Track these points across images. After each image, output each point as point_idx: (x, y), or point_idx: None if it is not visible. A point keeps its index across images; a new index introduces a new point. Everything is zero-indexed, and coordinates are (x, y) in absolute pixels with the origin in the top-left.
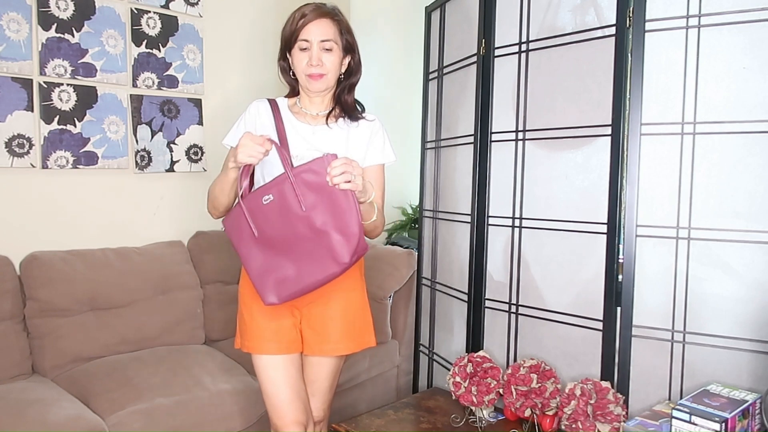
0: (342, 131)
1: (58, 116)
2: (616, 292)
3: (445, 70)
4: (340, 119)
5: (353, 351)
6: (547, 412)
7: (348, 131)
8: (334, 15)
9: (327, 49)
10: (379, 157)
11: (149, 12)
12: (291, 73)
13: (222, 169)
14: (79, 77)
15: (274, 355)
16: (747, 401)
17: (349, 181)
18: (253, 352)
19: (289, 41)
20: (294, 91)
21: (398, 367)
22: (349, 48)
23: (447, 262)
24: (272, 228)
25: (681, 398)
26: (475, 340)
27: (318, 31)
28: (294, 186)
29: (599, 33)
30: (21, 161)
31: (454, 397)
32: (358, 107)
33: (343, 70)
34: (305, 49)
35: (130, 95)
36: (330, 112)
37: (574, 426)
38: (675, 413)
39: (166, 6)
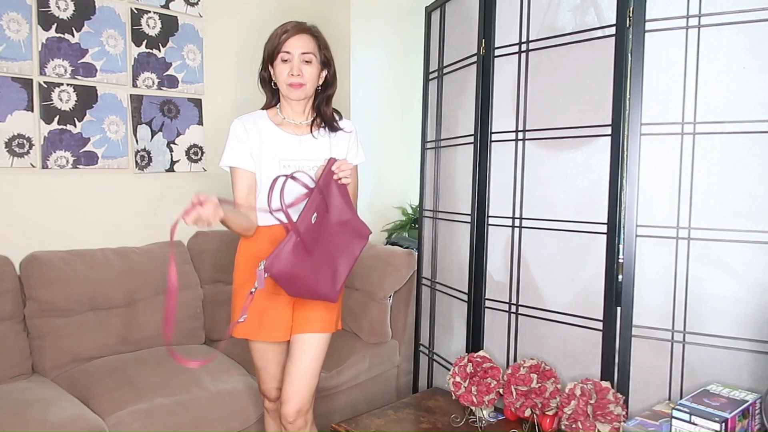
0: (324, 140)
1: (58, 116)
2: (616, 292)
3: (445, 70)
4: (322, 129)
5: (330, 331)
6: (547, 412)
7: (329, 140)
8: (313, 32)
9: (307, 61)
10: (356, 160)
11: (149, 12)
12: (272, 84)
13: (228, 218)
14: (79, 77)
15: (269, 343)
16: (747, 401)
17: (347, 177)
18: (253, 338)
19: (271, 54)
20: (271, 102)
21: (398, 367)
22: (326, 62)
23: (447, 262)
24: (318, 239)
25: (681, 398)
26: (475, 340)
27: (299, 44)
28: (325, 197)
29: (599, 33)
30: (21, 161)
31: (454, 397)
32: (336, 116)
33: (320, 83)
34: (287, 60)
35: (130, 95)
36: (313, 123)
37: (574, 426)
38: (675, 413)
39: (166, 6)
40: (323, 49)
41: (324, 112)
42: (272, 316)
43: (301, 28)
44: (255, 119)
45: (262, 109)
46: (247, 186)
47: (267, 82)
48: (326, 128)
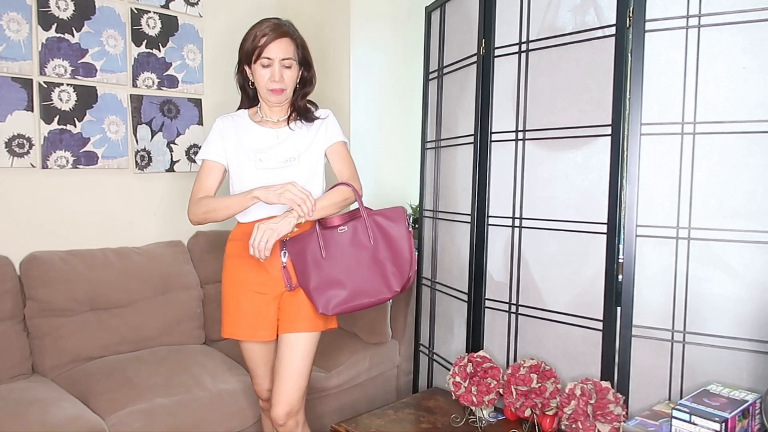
0: (302, 131)
1: (58, 116)
2: (616, 292)
3: (445, 70)
4: (298, 121)
5: (320, 329)
6: (547, 412)
7: (307, 131)
8: (291, 34)
9: (287, 67)
10: (337, 135)
11: (149, 12)
12: (250, 84)
13: (236, 195)
14: (79, 77)
15: (256, 342)
16: (747, 401)
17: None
18: (239, 338)
19: (250, 57)
20: (249, 103)
21: (398, 367)
22: (304, 61)
23: (447, 262)
24: (339, 253)
25: (681, 398)
26: (475, 340)
27: (279, 49)
28: (366, 223)
29: (599, 33)
30: (21, 161)
31: (454, 397)
32: (312, 107)
33: (298, 80)
34: (268, 66)
35: (130, 95)
36: (289, 117)
37: (574, 426)
38: (675, 413)
39: (166, 6)
40: (301, 48)
41: (299, 106)
42: (256, 315)
43: (280, 31)
44: (234, 117)
45: (239, 108)
46: (215, 179)
47: (243, 85)
48: (302, 120)
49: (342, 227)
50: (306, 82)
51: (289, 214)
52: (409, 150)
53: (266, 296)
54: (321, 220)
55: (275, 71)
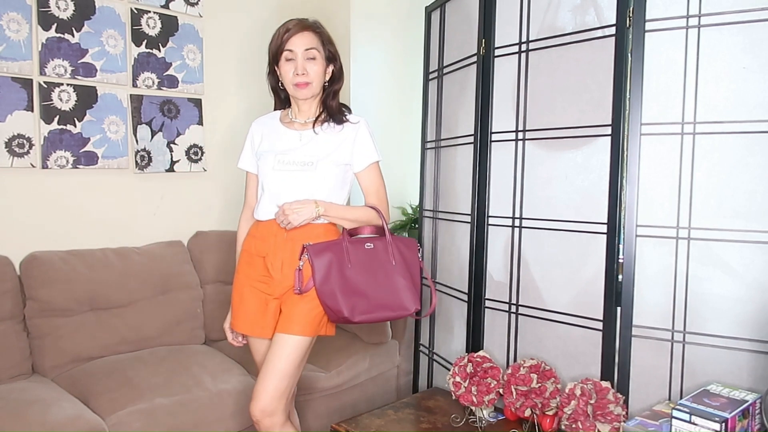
0: (327, 135)
1: (58, 116)
2: (616, 292)
3: (445, 70)
4: (326, 123)
5: (310, 335)
6: (547, 412)
7: (333, 135)
8: (315, 27)
9: (311, 58)
10: (370, 157)
11: (149, 12)
12: (280, 85)
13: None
14: (79, 77)
15: (257, 338)
16: (747, 401)
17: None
18: (238, 331)
19: (276, 54)
20: (282, 104)
21: (398, 367)
22: (331, 57)
23: (447, 262)
24: (363, 266)
25: (681, 398)
26: (475, 340)
27: (301, 41)
28: (390, 245)
29: (599, 33)
30: (21, 161)
31: (454, 397)
32: (345, 110)
33: (327, 78)
34: (291, 59)
35: (130, 95)
36: (316, 118)
37: (574, 426)
38: (675, 413)
39: (166, 6)
40: (327, 44)
41: (330, 106)
42: (256, 311)
43: (303, 25)
44: (266, 119)
45: (275, 109)
46: (253, 187)
47: (275, 84)
48: (331, 122)
49: (369, 244)
50: (334, 79)
51: (310, 203)
52: (409, 150)
53: (269, 296)
54: (350, 231)
55: (299, 64)
